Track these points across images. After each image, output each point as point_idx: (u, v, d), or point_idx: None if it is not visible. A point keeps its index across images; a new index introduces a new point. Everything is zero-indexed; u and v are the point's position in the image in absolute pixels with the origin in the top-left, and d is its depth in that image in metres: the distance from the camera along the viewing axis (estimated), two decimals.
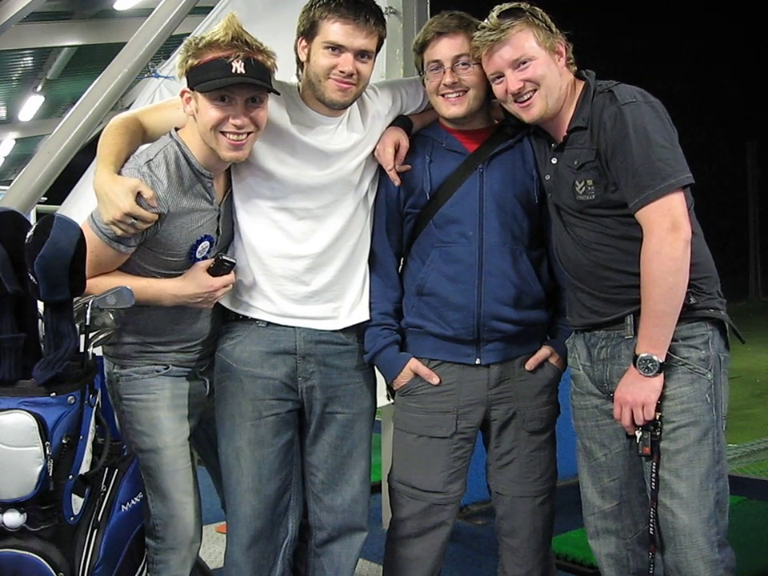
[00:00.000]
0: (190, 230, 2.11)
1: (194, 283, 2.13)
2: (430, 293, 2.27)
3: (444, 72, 2.20)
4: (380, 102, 2.31)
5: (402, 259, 2.41)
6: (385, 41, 2.22)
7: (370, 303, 2.31)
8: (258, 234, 2.21)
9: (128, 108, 3.43)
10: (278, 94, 2.10)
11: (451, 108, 2.23)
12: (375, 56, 2.19)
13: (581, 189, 2.07)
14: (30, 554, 1.81)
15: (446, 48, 2.20)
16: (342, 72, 2.11)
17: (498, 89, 2.14)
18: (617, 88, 2.04)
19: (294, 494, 2.28)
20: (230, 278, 2.16)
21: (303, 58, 2.18)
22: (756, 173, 17.35)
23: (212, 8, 3.33)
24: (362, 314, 2.30)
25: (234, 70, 1.97)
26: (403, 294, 2.35)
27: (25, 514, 1.80)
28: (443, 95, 2.23)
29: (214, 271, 2.14)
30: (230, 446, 2.23)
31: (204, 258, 2.16)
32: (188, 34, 3.28)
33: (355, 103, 2.25)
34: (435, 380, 2.28)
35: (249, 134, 2.05)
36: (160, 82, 3.26)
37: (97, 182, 2.02)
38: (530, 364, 2.31)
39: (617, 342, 2.07)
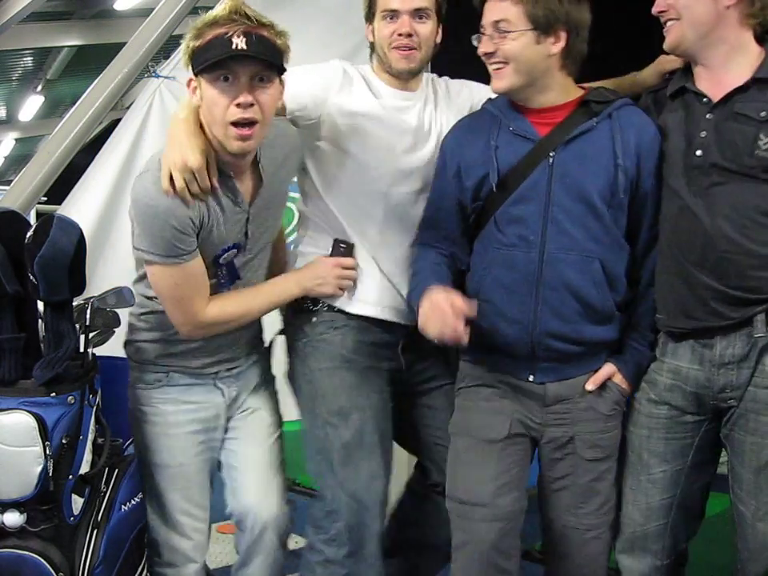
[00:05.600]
0: (219, 231, 1.94)
1: (314, 266, 2.11)
2: (485, 299, 1.97)
3: (482, 38, 1.94)
4: (464, 100, 2.23)
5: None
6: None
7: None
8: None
9: (128, 108, 3.42)
10: (284, 71, 1.90)
11: (493, 82, 1.96)
12: (437, 19, 2.14)
13: (765, 144, 1.81)
14: (30, 553, 1.81)
15: (487, 10, 1.94)
16: (400, 35, 2.09)
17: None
18: None
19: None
20: (350, 260, 2.11)
21: (371, 38, 2.17)
22: None
23: (212, 8, 3.32)
24: None
25: (234, 46, 1.80)
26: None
27: (25, 514, 1.80)
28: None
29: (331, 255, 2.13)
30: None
31: (230, 262, 1.99)
32: None
33: (441, 91, 2.21)
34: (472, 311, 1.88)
35: (254, 123, 1.85)
36: (160, 82, 3.26)
37: (174, 122, 1.93)
38: (591, 384, 2.00)
39: (745, 342, 1.86)
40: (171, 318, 1.97)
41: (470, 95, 2.23)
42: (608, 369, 2.00)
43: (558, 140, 1.93)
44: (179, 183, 1.83)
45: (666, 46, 1.94)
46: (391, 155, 2.13)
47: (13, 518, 1.79)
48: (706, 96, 1.89)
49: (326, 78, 2.14)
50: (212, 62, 1.81)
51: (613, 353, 2.02)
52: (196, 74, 1.87)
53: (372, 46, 2.19)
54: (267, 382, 2.25)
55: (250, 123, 1.84)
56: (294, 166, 2.13)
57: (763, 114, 1.82)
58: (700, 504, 2.02)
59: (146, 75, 3.32)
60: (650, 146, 1.94)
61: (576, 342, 1.96)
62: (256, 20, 1.84)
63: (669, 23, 1.91)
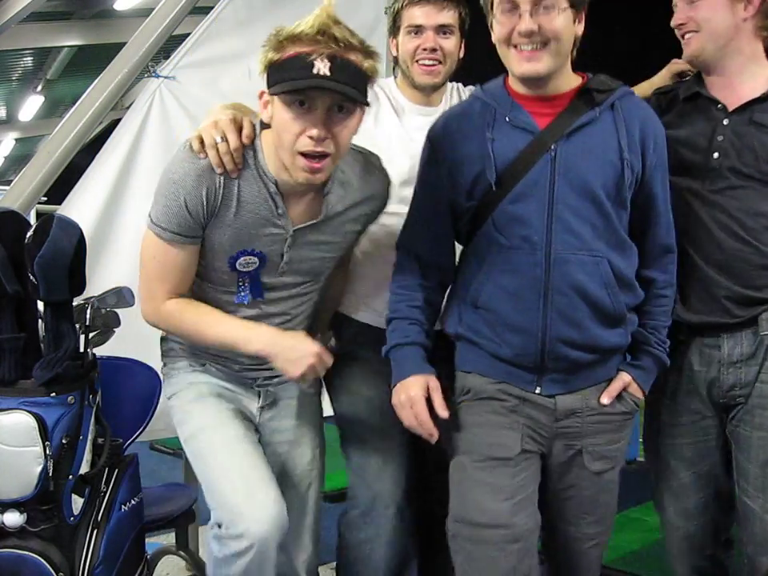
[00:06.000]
0: (249, 230, 1.83)
1: (301, 340, 1.87)
2: (485, 307, 1.84)
3: (519, 16, 1.74)
4: None
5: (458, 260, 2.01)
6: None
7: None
8: None
9: (128, 108, 3.42)
10: (369, 105, 1.74)
11: (524, 65, 1.77)
12: (460, 35, 2.20)
13: None
14: (30, 553, 1.81)
15: None
16: (424, 50, 2.14)
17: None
18: None
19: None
20: (329, 361, 1.87)
21: (395, 53, 2.24)
22: None
23: (212, 8, 3.32)
24: None
25: (316, 71, 1.63)
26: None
27: (25, 514, 1.80)
28: (515, 46, 1.76)
29: None
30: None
31: (250, 273, 1.87)
32: (188, 34, 3.30)
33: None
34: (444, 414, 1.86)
35: (326, 156, 1.71)
36: (160, 82, 3.25)
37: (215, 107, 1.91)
38: (606, 397, 1.87)
39: (751, 341, 1.91)
40: (140, 290, 1.92)
41: None
42: (623, 379, 1.88)
43: (559, 132, 1.78)
44: (208, 140, 1.75)
45: (685, 57, 1.99)
46: (408, 180, 2.12)
47: (13, 518, 1.79)
48: (720, 103, 1.94)
49: None
50: (289, 87, 1.66)
51: (622, 359, 1.92)
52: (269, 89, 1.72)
53: (396, 60, 2.26)
54: (313, 402, 2.14)
55: (321, 156, 1.70)
56: (363, 217, 1.97)
57: None
58: (733, 495, 2.03)
59: (145, 75, 3.31)
60: (654, 140, 1.85)
61: (589, 349, 1.82)
62: (344, 42, 1.66)
63: (688, 35, 1.96)
